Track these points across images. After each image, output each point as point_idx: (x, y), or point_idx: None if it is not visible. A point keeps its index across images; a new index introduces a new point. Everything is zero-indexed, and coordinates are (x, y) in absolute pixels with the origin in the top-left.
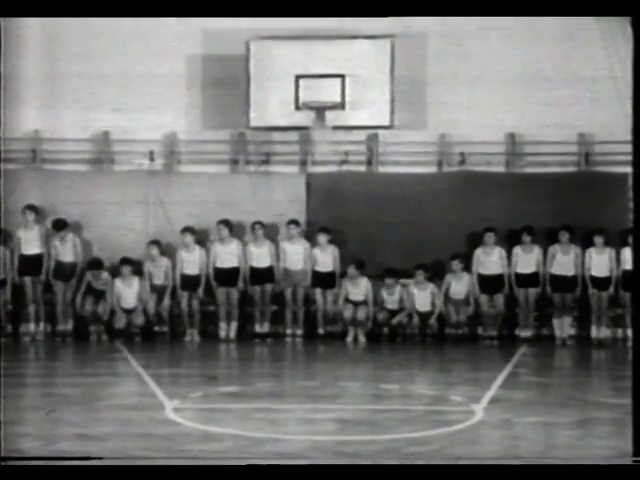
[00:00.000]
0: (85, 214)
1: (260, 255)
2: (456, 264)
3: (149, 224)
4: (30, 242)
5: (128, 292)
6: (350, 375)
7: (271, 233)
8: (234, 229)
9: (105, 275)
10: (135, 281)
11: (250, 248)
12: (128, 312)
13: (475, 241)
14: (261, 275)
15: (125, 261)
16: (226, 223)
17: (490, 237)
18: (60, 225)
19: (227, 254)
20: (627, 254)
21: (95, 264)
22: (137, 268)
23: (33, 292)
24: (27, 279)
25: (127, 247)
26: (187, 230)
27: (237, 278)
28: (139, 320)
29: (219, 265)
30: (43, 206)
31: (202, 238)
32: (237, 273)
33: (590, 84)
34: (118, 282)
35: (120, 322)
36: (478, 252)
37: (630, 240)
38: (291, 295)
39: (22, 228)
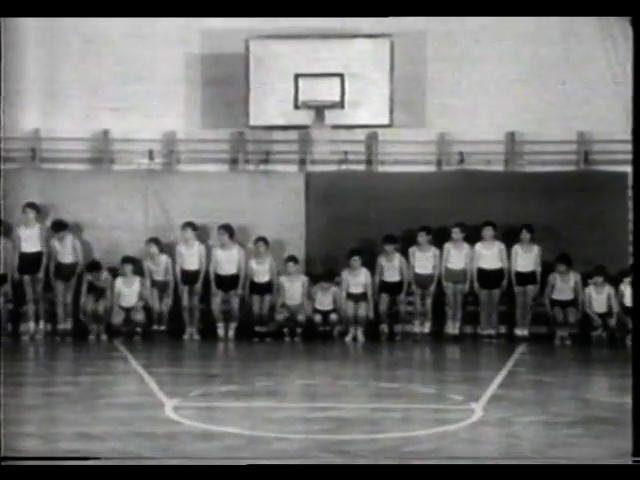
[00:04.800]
0: (84, 213)
1: (261, 271)
2: (456, 232)
3: (148, 223)
4: (30, 240)
5: (129, 291)
6: (349, 374)
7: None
8: (234, 233)
9: (105, 275)
10: (136, 281)
11: (251, 264)
12: (127, 310)
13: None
14: (261, 288)
15: (127, 260)
16: (227, 228)
17: (488, 231)
18: (58, 226)
19: (227, 262)
20: (627, 291)
21: (94, 266)
22: (139, 267)
23: (33, 291)
24: (26, 277)
25: (126, 246)
26: (188, 225)
27: (237, 284)
28: (139, 317)
29: (219, 272)
30: (43, 204)
31: (202, 236)
32: (237, 279)
33: (590, 83)
34: (119, 281)
35: (117, 318)
36: (477, 247)
37: (629, 278)
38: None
39: (22, 226)
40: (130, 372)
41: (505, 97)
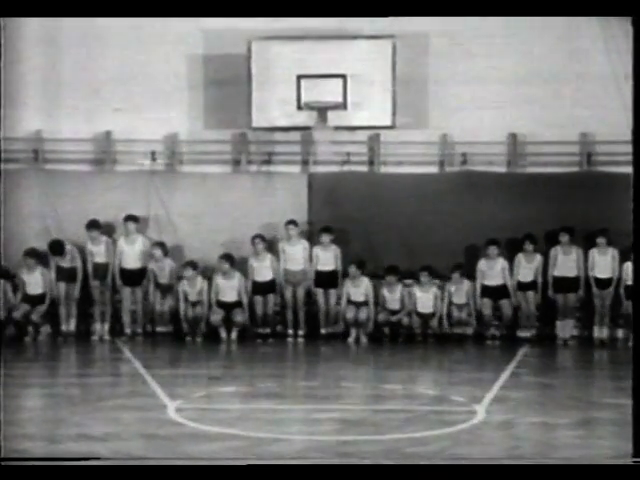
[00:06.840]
0: (86, 214)
1: (262, 269)
2: (456, 276)
3: (151, 224)
4: (33, 285)
5: (131, 251)
6: (352, 375)
7: (273, 233)
8: (235, 261)
9: (104, 239)
10: (139, 239)
11: (251, 262)
12: (130, 276)
13: (476, 252)
14: (263, 287)
15: (130, 218)
16: (227, 257)
17: (493, 249)
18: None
19: (228, 290)
20: (629, 269)
21: (92, 224)
22: (141, 226)
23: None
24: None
25: None
26: (188, 264)
27: (238, 308)
28: (139, 293)
29: (221, 298)
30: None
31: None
32: (238, 305)
33: (592, 84)
34: (121, 241)
35: (125, 294)
36: (481, 264)
37: (632, 256)
38: (291, 296)
39: (24, 271)
40: (133, 373)
41: (507, 98)
